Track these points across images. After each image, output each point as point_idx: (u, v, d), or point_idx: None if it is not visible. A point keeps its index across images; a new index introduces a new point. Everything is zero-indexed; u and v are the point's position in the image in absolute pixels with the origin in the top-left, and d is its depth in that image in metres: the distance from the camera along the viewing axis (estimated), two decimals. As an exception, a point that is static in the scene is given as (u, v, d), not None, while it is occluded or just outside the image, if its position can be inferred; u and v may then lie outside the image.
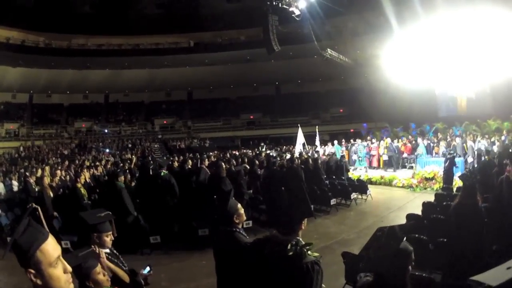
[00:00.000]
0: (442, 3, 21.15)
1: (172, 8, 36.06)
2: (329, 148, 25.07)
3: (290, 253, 2.89)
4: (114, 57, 36.93)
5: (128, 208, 9.74)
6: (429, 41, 22.34)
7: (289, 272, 2.90)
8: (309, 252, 2.96)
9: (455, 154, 15.51)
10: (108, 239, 3.95)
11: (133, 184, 12.42)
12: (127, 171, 13.68)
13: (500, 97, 25.31)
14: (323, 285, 3.05)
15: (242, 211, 4.30)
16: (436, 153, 20.81)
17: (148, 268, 4.24)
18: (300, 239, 3.08)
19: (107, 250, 3.93)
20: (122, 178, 10.74)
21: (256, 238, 3.61)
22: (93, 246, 3.69)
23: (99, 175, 16.84)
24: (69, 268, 1.91)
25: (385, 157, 22.41)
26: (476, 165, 14.57)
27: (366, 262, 2.67)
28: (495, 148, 18.24)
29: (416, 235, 6.84)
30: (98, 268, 3.37)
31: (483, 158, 13.64)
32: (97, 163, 21.37)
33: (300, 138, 24.64)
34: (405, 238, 2.78)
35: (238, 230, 4.15)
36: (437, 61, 22.57)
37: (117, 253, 4.10)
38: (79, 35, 36.35)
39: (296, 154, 20.24)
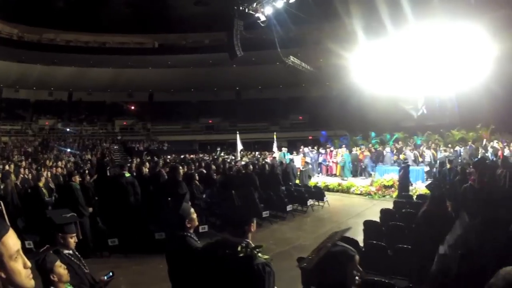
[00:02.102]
0: (407, 15, 21.46)
1: (141, 7, 35.40)
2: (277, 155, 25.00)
3: (241, 255, 2.87)
4: (80, 54, 35.95)
5: (80, 209, 9.43)
6: (393, 51, 22.62)
7: (240, 274, 2.86)
8: (259, 254, 2.93)
9: (408, 163, 15.62)
10: (72, 240, 4.01)
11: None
12: (86, 172, 13.34)
13: (466, 108, 25.83)
14: (275, 287, 3.00)
15: (194, 215, 4.19)
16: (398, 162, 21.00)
17: (110, 274, 4.22)
18: (250, 241, 3.08)
19: (70, 251, 3.99)
20: (77, 178, 10.45)
21: (206, 242, 3.54)
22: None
23: (59, 175, 16.40)
24: (29, 264, 1.88)
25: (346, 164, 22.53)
26: (437, 175, 14.76)
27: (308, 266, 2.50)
28: (462, 156, 18.59)
29: (374, 242, 6.86)
30: (59, 262, 3.46)
31: (445, 167, 13.76)
32: (59, 163, 21.06)
33: (239, 145, 24.65)
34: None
35: (189, 234, 4.06)
36: (401, 71, 22.88)
37: (79, 255, 4.13)
38: (51, 29, 35.25)
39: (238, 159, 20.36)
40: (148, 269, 8.33)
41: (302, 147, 25.98)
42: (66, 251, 3.91)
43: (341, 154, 22.90)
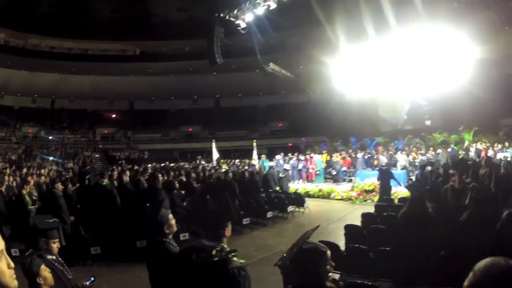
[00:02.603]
0: (389, 20, 21.63)
1: (124, 14, 35.16)
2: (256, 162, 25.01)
3: (215, 259, 2.85)
4: (63, 61, 35.61)
5: (63, 217, 9.39)
6: (374, 56, 22.79)
7: (215, 278, 2.81)
8: (234, 258, 2.93)
9: (387, 167, 15.65)
10: (55, 246, 4.10)
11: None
12: (69, 180, 13.28)
13: (448, 111, 26.38)
14: None
15: (173, 221, 4.24)
16: (376, 166, 21.06)
17: (92, 279, 4.24)
18: (225, 245, 3.18)
19: (53, 257, 4.03)
20: (60, 186, 10.45)
21: (182, 246, 3.55)
22: None
23: (42, 183, 16.15)
24: (12, 264, 1.91)
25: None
26: (419, 177, 14.86)
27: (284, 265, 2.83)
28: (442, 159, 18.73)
29: (356, 245, 6.86)
30: (44, 265, 3.52)
31: (426, 169, 13.83)
32: (42, 171, 20.92)
33: (215, 153, 24.60)
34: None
35: (168, 240, 4.11)
36: (382, 75, 23.04)
37: (63, 262, 4.17)
38: (35, 35, 34.86)
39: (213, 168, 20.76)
40: (131, 277, 8.18)
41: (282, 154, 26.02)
42: (49, 257, 3.93)
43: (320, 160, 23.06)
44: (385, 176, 14.15)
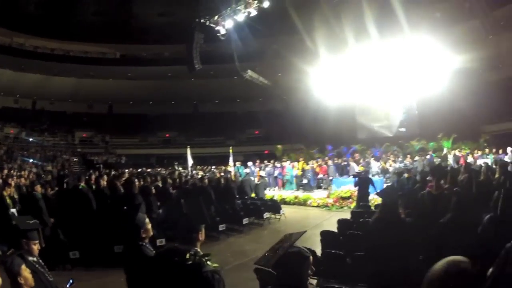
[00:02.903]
0: (367, 31, 21.90)
1: (107, 16, 34.87)
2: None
3: (189, 262, 2.95)
4: (46, 61, 35.03)
5: (44, 219, 9.40)
6: (353, 65, 23.01)
7: (189, 281, 2.95)
8: (208, 262, 3.03)
9: (363, 173, 15.73)
10: (35, 247, 4.07)
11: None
12: (47, 183, 13.25)
13: (426, 119, 26.70)
14: None
15: (149, 226, 4.28)
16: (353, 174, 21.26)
17: (71, 281, 4.28)
18: (199, 249, 3.25)
19: (34, 259, 4.02)
20: (39, 188, 10.55)
21: (158, 251, 3.81)
22: None
23: (22, 185, 15.90)
24: None
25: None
26: (396, 184, 14.99)
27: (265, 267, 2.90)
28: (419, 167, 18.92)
29: (332, 251, 6.93)
30: (24, 266, 3.51)
31: (403, 176, 13.95)
32: (22, 173, 20.69)
33: (189, 160, 24.72)
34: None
35: (144, 244, 4.15)
36: (359, 84, 23.25)
37: (43, 264, 4.17)
38: (21, 33, 34.19)
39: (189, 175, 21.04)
40: (109, 282, 8.15)
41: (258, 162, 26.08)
42: (30, 258, 3.92)
43: (296, 168, 23.24)
44: (364, 183, 14.21)
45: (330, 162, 23.24)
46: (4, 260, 3.42)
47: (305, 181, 22.58)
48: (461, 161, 19.10)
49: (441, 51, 21.40)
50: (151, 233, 4.31)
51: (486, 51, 26.02)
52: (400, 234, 4.93)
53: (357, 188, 14.51)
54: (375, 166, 21.49)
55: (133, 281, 4.03)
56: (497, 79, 29.13)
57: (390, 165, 21.13)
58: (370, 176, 18.37)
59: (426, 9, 23.94)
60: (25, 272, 3.46)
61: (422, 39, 21.16)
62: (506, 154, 19.05)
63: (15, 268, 3.40)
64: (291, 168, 23.38)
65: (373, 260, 5.18)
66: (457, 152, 21.58)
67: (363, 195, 13.96)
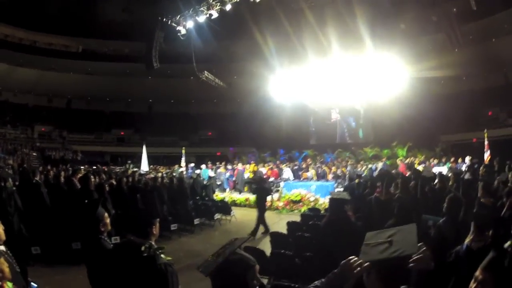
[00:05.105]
0: (325, 39, 22.29)
1: (71, 9, 34.09)
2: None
3: (144, 255, 2.94)
4: (13, 51, 34.11)
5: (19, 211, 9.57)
6: (308, 70, 23.31)
7: (144, 273, 2.95)
8: (162, 255, 3.06)
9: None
10: (0, 229, 4.06)
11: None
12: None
13: (380, 126, 27.13)
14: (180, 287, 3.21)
15: (108, 220, 4.37)
16: (304, 178, 21.70)
17: (34, 285, 4.43)
18: (153, 243, 3.28)
19: (3, 248, 4.01)
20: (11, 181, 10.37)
21: (115, 243, 3.93)
22: None
23: None
24: None
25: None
26: (346, 189, 15.31)
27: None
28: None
29: (282, 251, 7.10)
30: (2, 259, 3.46)
31: (353, 182, 14.27)
32: None
33: (144, 159, 25.04)
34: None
35: (103, 237, 4.23)
36: (313, 89, 23.59)
37: (11, 254, 4.13)
38: None
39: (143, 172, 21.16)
40: (69, 279, 8.16)
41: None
42: (0, 248, 3.94)
43: (249, 170, 23.54)
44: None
45: (283, 166, 23.61)
46: None
47: (219, 182, 23.15)
48: (401, 169, 19.54)
49: (400, 60, 22.00)
50: (109, 228, 4.39)
51: (449, 63, 26.90)
52: (349, 236, 5.20)
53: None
54: (287, 173, 22.23)
55: (93, 274, 4.11)
56: (457, 90, 30.16)
57: (342, 171, 21.56)
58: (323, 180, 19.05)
59: (391, 19, 24.38)
60: (3, 265, 3.43)
61: (382, 47, 21.70)
62: (464, 163, 19.48)
63: None
64: (243, 171, 23.54)
65: (323, 260, 5.41)
66: (406, 160, 22.14)
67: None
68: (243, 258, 2.58)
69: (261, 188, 13.99)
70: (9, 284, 3.46)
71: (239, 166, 24.01)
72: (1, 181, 10.25)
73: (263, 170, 23.20)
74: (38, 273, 7.76)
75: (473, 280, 2.11)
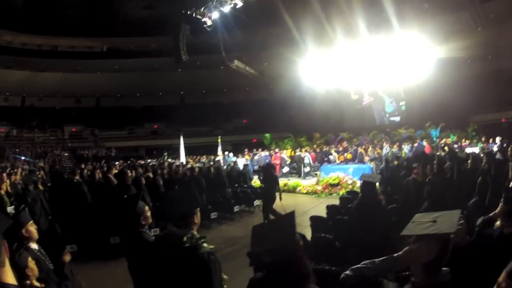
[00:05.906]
0: (354, 23, 22.02)
1: (92, 10, 34.63)
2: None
3: (187, 245, 3.05)
4: (34, 58, 35.01)
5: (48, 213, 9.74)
6: (341, 55, 23.08)
7: (187, 263, 3.05)
8: (204, 244, 3.13)
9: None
10: (33, 228, 4.16)
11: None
12: (40, 179, 13.36)
13: (414, 108, 26.99)
14: (224, 275, 3.27)
15: (148, 213, 4.36)
16: (342, 161, 21.54)
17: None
18: (195, 232, 3.29)
19: (36, 247, 4.16)
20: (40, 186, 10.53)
21: (155, 235, 4.01)
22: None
23: (17, 183, 15.91)
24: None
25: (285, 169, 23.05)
26: (384, 171, 15.10)
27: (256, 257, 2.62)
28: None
29: (322, 235, 6.98)
30: (31, 258, 3.67)
31: (392, 164, 13.99)
32: (16, 170, 20.28)
33: (182, 149, 25.14)
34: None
35: (144, 230, 4.24)
36: (346, 73, 23.37)
37: (44, 252, 4.30)
38: (8, 31, 33.79)
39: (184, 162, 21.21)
40: (106, 274, 8.30)
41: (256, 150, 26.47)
42: (33, 246, 4.05)
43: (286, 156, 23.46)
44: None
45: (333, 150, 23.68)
46: (12, 255, 3.36)
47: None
48: (427, 150, 18.93)
49: (428, 41, 21.63)
50: (150, 221, 4.42)
51: (474, 42, 26.36)
52: (380, 219, 5.20)
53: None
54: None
55: (135, 267, 4.13)
56: (485, 71, 29.51)
57: (378, 153, 21.29)
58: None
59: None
60: (31, 263, 3.59)
61: (409, 29, 21.37)
62: (495, 143, 19.20)
63: (23, 261, 3.54)
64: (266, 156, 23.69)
65: (356, 244, 5.41)
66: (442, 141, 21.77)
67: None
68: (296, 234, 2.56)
69: (270, 175, 12.87)
70: (36, 282, 3.63)
71: (278, 152, 24.06)
72: (27, 185, 10.63)
73: (283, 154, 23.58)
74: (75, 270, 8.18)
75: (495, 286, 2.00)
